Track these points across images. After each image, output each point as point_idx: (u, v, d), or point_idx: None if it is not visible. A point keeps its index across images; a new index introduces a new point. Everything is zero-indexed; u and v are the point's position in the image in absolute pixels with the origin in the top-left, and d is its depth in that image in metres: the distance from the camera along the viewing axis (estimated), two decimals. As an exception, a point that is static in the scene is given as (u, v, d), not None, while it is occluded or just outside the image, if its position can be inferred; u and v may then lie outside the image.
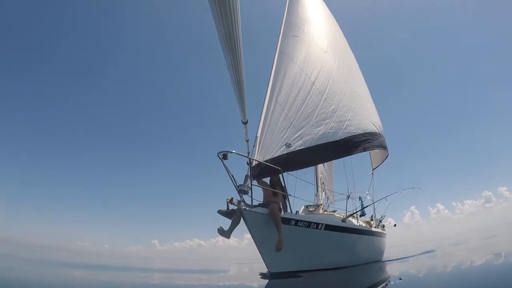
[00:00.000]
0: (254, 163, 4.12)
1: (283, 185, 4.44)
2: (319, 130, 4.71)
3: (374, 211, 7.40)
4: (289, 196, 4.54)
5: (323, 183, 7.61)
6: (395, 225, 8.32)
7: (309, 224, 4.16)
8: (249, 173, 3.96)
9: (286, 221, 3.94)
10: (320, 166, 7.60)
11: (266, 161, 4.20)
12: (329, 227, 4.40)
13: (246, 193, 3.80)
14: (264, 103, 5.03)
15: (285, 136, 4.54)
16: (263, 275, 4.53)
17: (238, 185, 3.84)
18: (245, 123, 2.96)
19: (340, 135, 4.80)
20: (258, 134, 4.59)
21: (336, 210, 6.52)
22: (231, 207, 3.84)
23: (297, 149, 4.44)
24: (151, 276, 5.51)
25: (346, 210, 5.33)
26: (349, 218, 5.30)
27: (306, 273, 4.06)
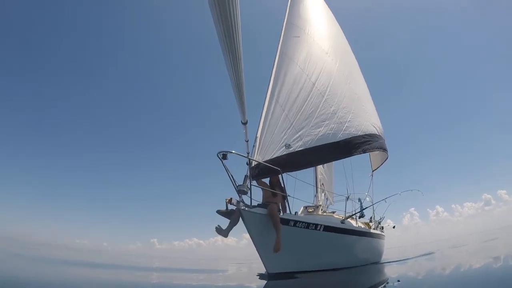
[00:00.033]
0: (254, 163, 4.12)
1: (283, 185, 4.44)
2: (319, 131, 4.71)
3: (373, 213, 7.40)
4: (288, 197, 4.54)
5: (322, 184, 7.61)
6: (394, 227, 8.32)
7: (308, 225, 4.16)
8: (249, 173, 3.96)
9: (285, 221, 3.94)
10: (319, 167, 7.59)
11: (265, 161, 4.20)
12: (328, 228, 4.40)
13: (245, 193, 3.80)
14: (264, 103, 5.03)
15: (285, 137, 4.53)
16: (261, 276, 4.53)
17: (237, 185, 3.84)
18: (244, 123, 2.95)
19: (340, 137, 4.80)
20: (258, 135, 4.59)
21: (335, 211, 6.51)
22: (230, 207, 3.84)
23: (296, 150, 4.44)
24: (149, 275, 5.52)
25: (345, 212, 5.33)
26: (348, 220, 5.30)
27: (305, 274, 4.06)
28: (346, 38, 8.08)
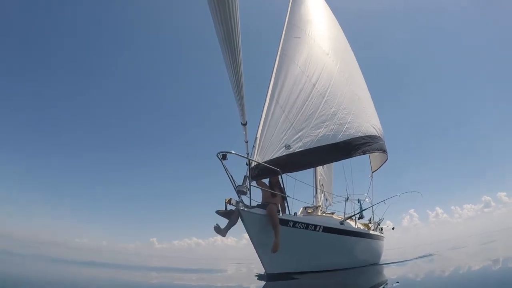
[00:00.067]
0: (253, 164, 4.12)
1: (282, 186, 4.44)
2: (319, 132, 4.71)
3: (373, 214, 7.40)
4: (287, 198, 4.54)
5: (322, 185, 7.61)
6: (393, 228, 8.31)
7: (307, 225, 4.16)
8: (248, 174, 3.96)
9: (284, 222, 3.94)
10: (319, 168, 7.59)
11: (265, 162, 4.20)
12: (327, 229, 4.40)
13: (244, 193, 3.80)
14: (264, 104, 5.04)
15: (284, 138, 4.54)
16: (260, 276, 4.54)
17: (236, 185, 3.84)
18: (244, 124, 2.95)
19: (340, 138, 4.79)
20: (258, 135, 4.59)
21: (334, 212, 6.51)
22: (230, 207, 3.84)
23: (296, 150, 4.43)
24: (147, 275, 5.52)
25: (345, 213, 5.33)
26: (347, 221, 5.30)
27: (303, 275, 4.06)
28: (347, 39, 8.09)
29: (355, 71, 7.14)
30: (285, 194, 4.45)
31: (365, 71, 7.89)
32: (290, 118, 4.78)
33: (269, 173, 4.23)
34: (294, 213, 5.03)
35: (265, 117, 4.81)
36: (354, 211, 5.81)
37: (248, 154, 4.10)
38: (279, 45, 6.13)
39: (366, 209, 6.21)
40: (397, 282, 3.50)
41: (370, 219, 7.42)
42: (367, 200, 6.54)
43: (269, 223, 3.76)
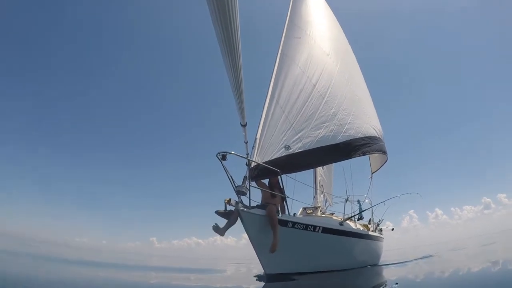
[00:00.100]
0: (253, 164, 4.12)
1: (282, 187, 4.44)
2: (319, 133, 4.70)
3: (372, 215, 7.40)
4: (287, 198, 4.54)
5: (321, 185, 7.61)
6: (392, 229, 8.31)
7: (306, 226, 4.16)
8: (248, 174, 3.96)
9: (284, 223, 3.94)
10: (319, 168, 7.59)
11: (264, 162, 4.20)
12: (326, 230, 4.39)
13: (244, 194, 3.80)
14: (264, 104, 5.03)
15: (284, 138, 4.53)
16: (259, 277, 4.53)
17: (236, 186, 3.84)
18: (244, 126, 2.95)
19: (339, 139, 4.79)
20: (258, 136, 4.59)
21: (334, 213, 6.51)
22: (229, 207, 3.84)
23: (296, 151, 4.43)
24: (147, 274, 5.52)
25: (344, 213, 5.33)
26: (347, 221, 5.29)
27: (302, 275, 4.06)
28: (347, 39, 8.08)
29: (355, 71, 7.14)
30: (284, 194, 4.45)
31: (366, 72, 7.90)
32: (290, 119, 4.78)
33: (269, 173, 4.23)
34: (294, 214, 5.03)
35: (265, 118, 4.81)
36: (353, 212, 5.82)
37: (247, 154, 4.10)
38: (279, 45, 6.12)
39: (365, 210, 6.21)
40: (397, 284, 3.49)
41: (370, 220, 7.42)
42: (366, 201, 6.56)
43: (269, 224, 3.77)
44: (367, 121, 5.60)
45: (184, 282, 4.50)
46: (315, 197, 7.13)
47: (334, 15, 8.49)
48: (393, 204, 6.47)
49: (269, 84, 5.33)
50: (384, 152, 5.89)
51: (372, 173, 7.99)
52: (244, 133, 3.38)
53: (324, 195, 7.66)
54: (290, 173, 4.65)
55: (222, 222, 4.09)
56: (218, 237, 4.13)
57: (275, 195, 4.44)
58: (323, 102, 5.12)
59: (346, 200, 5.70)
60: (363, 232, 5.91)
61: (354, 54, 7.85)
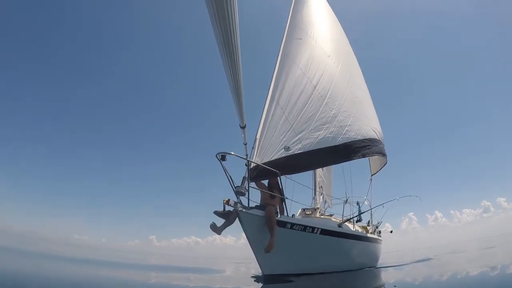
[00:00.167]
0: (252, 165, 4.12)
1: (281, 188, 4.44)
2: (319, 134, 4.70)
3: (371, 217, 7.39)
4: (286, 199, 4.54)
5: (321, 187, 7.61)
6: (391, 232, 8.31)
7: (304, 228, 4.16)
8: (247, 175, 3.96)
9: (282, 224, 3.94)
10: (319, 170, 7.58)
11: (264, 163, 4.20)
12: (324, 232, 4.39)
13: (243, 194, 3.80)
14: (264, 104, 5.03)
15: (284, 139, 4.53)
16: (257, 278, 4.53)
17: (235, 186, 3.84)
18: (243, 127, 2.95)
19: (339, 140, 4.79)
20: (258, 136, 4.59)
21: (333, 215, 6.50)
22: (228, 208, 3.85)
23: (296, 152, 4.43)
24: (146, 274, 5.53)
25: (343, 215, 5.32)
26: (346, 223, 5.29)
27: (300, 277, 4.06)
28: (349, 40, 8.07)
29: (356, 73, 7.13)
30: (283, 195, 4.45)
31: (366, 72, 7.89)
32: (290, 120, 4.78)
33: (268, 174, 4.23)
34: (293, 215, 5.02)
35: (265, 118, 4.81)
36: (352, 214, 5.81)
37: (247, 155, 4.10)
38: (280, 46, 6.12)
39: (364, 212, 6.21)
40: (395, 286, 3.49)
41: (369, 222, 7.41)
42: (366, 202, 6.55)
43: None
44: (367, 123, 5.59)
45: (183, 282, 4.50)
46: (314, 199, 7.12)
47: (336, 15, 8.48)
48: (392, 206, 6.47)
49: (270, 85, 5.33)
50: (383, 155, 5.88)
51: (372, 175, 7.99)
52: (243, 135, 3.39)
53: (323, 197, 7.65)
54: (289, 174, 4.64)
55: (221, 222, 4.10)
56: (217, 236, 4.17)
57: (274, 196, 4.44)
58: (324, 104, 5.12)
59: (345, 201, 5.70)
60: (362, 234, 5.90)
61: (355, 54, 7.85)
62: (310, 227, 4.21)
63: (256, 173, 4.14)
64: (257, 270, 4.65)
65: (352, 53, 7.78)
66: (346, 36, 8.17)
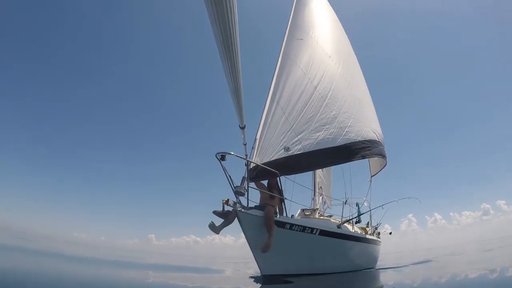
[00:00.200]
0: (252, 165, 4.12)
1: (280, 188, 4.44)
2: (319, 135, 4.70)
3: (370, 218, 7.39)
4: (285, 200, 4.53)
5: (320, 187, 7.60)
6: (390, 233, 8.30)
7: (303, 228, 4.16)
8: (246, 175, 3.96)
9: (281, 224, 3.94)
10: (318, 170, 7.58)
11: (264, 163, 4.20)
12: (323, 233, 4.39)
13: (242, 194, 3.80)
14: (265, 105, 5.03)
15: (284, 140, 4.53)
16: (256, 278, 4.53)
17: (234, 186, 3.84)
18: (242, 128, 2.95)
19: (339, 141, 4.78)
20: (258, 136, 4.59)
21: (332, 215, 6.50)
22: (227, 208, 3.85)
23: (295, 153, 4.43)
24: (144, 273, 5.53)
25: (342, 216, 5.32)
26: (345, 224, 5.29)
27: (298, 277, 4.06)
28: (350, 41, 8.06)
29: (357, 74, 7.12)
30: (283, 196, 4.45)
31: (366, 72, 7.89)
32: (290, 120, 4.78)
33: (268, 174, 4.23)
34: (292, 215, 5.03)
35: (265, 118, 4.81)
36: (351, 215, 5.81)
37: (246, 155, 4.10)
38: (281, 46, 6.12)
39: (364, 213, 6.20)
40: None
41: (368, 223, 7.41)
42: (365, 204, 6.54)
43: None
44: (367, 124, 5.58)
45: (181, 282, 4.50)
46: (313, 199, 7.12)
47: (337, 17, 8.48)
48: (392, 207, 6.46)
49: (270, 85, 5.33)
50: (383, 156, 5.87)
51: (372, 176, 7.98)
52: (243, 135, 3.39)
53: (322, 197, 7.64)
54: (289, 174, 4.64)
55: (220, 221, 4.10)
56: (216, 236, 4.19)
57: (273, 196, 4.44)
58: (324, 105, 5.11)
59: (345, 202, 5.70)
60: (360, 235, 5.90)
61: (356, 55, 7.84)
62: (309, 227, 4.21)
63: (256, 173, 4.14)
64: (255, 270, 4.65)
65: (353, 53, 7.77)
66: (348, 36, 8.17)
